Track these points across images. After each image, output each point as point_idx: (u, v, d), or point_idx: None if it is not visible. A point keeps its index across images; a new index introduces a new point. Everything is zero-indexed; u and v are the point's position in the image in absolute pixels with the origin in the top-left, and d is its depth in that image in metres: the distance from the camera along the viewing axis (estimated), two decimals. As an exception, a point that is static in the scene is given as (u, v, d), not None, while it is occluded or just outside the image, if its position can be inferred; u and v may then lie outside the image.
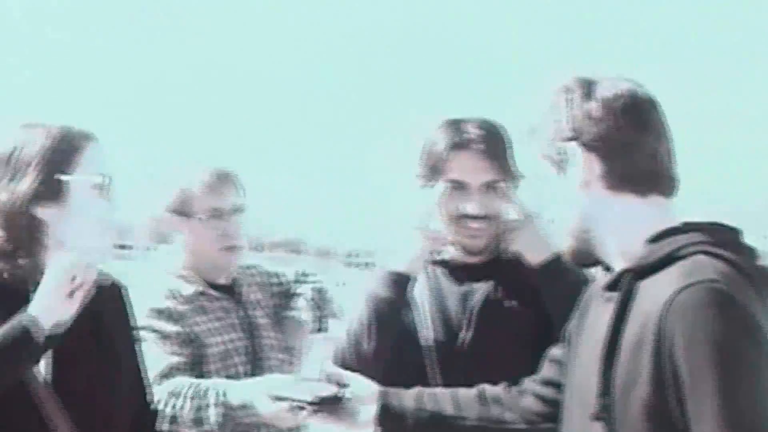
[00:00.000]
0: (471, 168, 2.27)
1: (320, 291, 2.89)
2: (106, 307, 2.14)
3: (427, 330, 2.33)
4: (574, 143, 1.72)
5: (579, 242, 1.76)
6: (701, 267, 1.58)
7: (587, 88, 1.74)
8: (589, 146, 1.71)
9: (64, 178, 1.99)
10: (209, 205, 2.66)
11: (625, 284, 1.65)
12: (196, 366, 2.61)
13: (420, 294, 2.36)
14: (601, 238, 1.73)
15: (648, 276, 1.63)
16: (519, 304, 2.31)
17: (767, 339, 1.55)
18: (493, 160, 2.24)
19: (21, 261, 1.98)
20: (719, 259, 1.60)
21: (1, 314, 1.91)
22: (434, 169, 2.30)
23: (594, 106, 1.71)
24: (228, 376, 2.62)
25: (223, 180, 2.69)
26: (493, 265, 2.35)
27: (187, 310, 2.65)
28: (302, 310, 2.82)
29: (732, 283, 1.55)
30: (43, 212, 1.98)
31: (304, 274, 2.98)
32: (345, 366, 2.28)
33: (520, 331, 2.27)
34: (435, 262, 2.39)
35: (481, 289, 2.33)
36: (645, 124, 1.72)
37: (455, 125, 2.31)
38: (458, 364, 2.28)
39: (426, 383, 2.17)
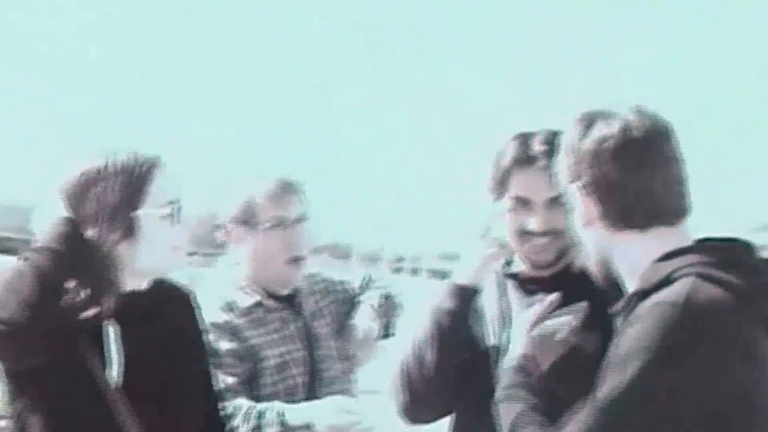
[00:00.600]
0: (535, 185, 2.26)
1: (387, 297, 2.89)
2: (175, 314, 2.18)
3: (493, 341, 2.33)
4: (574, 184, 1.84)
5: (600, 264, 1.89)
6: (678, 290, 1.69)
7: (586, 127, 1.83)
8: (586, 188, 1.82)
9: (137, 213, 2.03)
10: (273, 216, 2.69)
11: (631, 305, 1.76)
12: (252, 380, 2.63)
13: (488, 305, 2.36)
14: (614, 263, 1.86)
15: (649, 297, 1.73)
16: (586, 317, 2.28)
17: (730, 363, 1.67)
18: (559, 176, 2.23)
19: (103, 302, 2.01)
20: (709, 281, 1.69)
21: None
22: (500, 184, 2.30)
23: (586, 150, 1.82)
24: (285, 388, 2.65)
25: (287, 190, 2.72)
26: (562, 278, 2.33)
27: (243, 323, 2.68)
28: (369, 317, 2.81)
29: (704, 308, 1.66)
30: (118, 249, 2.02)
31: (371, 280, 2.98)
32: (409, 377, 2.30)
33: (587, 344, 2.24)
34: (505, 275, 2.39)
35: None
36: (636, 164, 1.79)
37: (523, 139, 2.30)
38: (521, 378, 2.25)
39: (491, 393, 2.17)
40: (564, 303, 2.31)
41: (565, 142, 1.88)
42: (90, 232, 2.00)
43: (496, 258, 2.34)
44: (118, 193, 2.02)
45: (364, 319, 2.83)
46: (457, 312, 2.29)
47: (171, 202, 2.07)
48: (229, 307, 2.69)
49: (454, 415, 2.40)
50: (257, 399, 2.63)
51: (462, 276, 2.32)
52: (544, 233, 2.27)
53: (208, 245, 2.89)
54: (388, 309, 2.85)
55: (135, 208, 2.02)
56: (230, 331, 2.63)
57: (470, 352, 2.31)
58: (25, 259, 1.93)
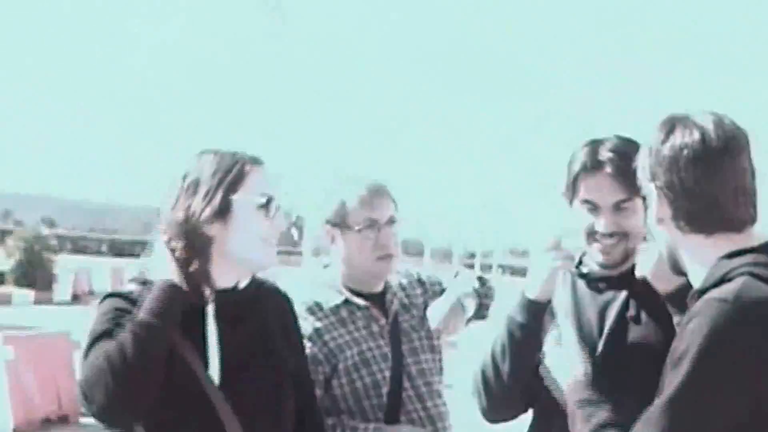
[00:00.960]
0: (602, 189, 2.35)
1: (481, 280, 2.97)
2: (272, 316, 2.27)
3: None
4: (651, 184, 1.93)
5: (669, 260, 1.99)
6: (730, 287, 1.77)
7: (667, 132, 1.92)
8: (661, 189, 1.90)
9: (232, 197, 2.14)
10: (365, 218, 2.80)
11: (694, 302, 1.85)
12: (328, 381, 2.73)
13: (561, 305, 2.43)
14: (682, 261, 1.97)
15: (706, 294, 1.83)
16: (651, 320, 2.35)
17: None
18: (625, 181, 2.29)
19: (192, 269, 2.12)
20: (762, 280, 1.77)
21: (180, 318, 2.07)
22: (571, 187, 2.40)
23: (665, 154, 1.90)
24: (365, 385, 2.75)
25: (377, 193, 2.84)
26: (629, 278, 2.39)
27: (326, 324, 2.78)
28: (466, 298, 2.85)
29: (753, 306, 1.74)
30: (211, 228, 2.14)
31: (458, 275, 3.03)
32: (487, 383, 2.41)
33: (653, 346, 2.28)
34: (576, 274, 2.47)
35: (617, 300, 2.40)
36: (710, 174, 1.86)
37: (592, 146, 2.39)
38: (595, 377, 2.28)
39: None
40: (629, 303, 2.39)
41: (647, 142, 1.97)
42: (182, 212, 2.12)
43: (564, 270, 2.40)
44: (217, 173, 2.14)
45: (451, 298, 2.83)
46: (528, 325, 2.37)
47: (267, 196, 2.19)
48: (312, 309, 2.80)
49: (532, 413, 2.50)
50: (334, 399, 2.74)
51: (532, 290, 2.39)
52: (610, 235, 2.37)
53: (283, 243, 2.99)
54: (482, 292, 2.91)
55: (231, 191, 2.14)
56: (308, 336, 2.70)
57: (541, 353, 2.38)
58: (130, 332, 1.99)
